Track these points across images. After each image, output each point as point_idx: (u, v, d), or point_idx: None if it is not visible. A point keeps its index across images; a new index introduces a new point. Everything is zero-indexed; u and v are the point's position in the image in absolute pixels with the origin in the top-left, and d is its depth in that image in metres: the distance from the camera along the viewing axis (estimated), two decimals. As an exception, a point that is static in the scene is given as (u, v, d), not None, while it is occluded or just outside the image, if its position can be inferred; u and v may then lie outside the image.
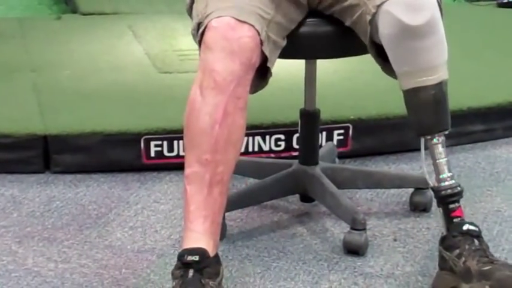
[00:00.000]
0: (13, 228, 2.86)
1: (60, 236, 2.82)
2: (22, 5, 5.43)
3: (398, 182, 3.14)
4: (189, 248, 2.33)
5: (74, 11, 5.07)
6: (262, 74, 2.49)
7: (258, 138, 3.32)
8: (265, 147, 3.34)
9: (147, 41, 4.33)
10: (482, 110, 3.57)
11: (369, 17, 2.48)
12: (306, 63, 2.85)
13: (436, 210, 2.57)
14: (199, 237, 2.35)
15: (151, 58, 4.07)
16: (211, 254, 2.33)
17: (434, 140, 2.51)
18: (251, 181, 3.04)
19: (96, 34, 4.48)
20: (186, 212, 2.39)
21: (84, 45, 4.30)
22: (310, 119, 2.93)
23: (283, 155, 3.32)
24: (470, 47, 4.04)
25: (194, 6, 2.60)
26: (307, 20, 2.63)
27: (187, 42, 2.61)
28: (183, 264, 2.30)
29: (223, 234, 2.67)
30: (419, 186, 2.98)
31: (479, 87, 3.66)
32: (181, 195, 2.45)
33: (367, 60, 2.65)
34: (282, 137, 3.33)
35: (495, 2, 5.29)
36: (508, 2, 5.23)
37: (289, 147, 3.33)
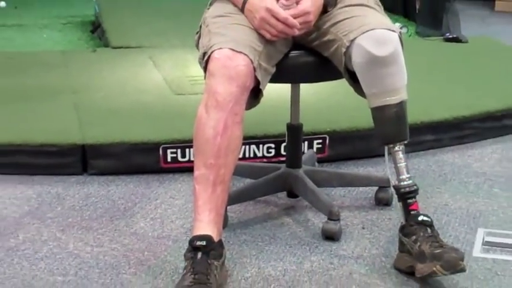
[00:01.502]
0: (57, 219, 2.84)
1: (94, 225, 2.80)
2: (65, 40, 5.43)
3: (365, 181, 3.13)
4: (197, 235, 2.32)
5: (107, 45, 5.06)
6: (255, 94, 2.49)
7: (253, 147, 3.30)
8: (259, 154, 3.31)
9: (164, 69, 4.32)
10: (432, 123, 3.57)
11: (343, 49, 2.48)
12: (292, 86, 2.84)
13: (396, 204, 2.56)
14: (206, 226, 2.34)
15: (168, 82, 4.06)
16: (216, 239, 2.33)
17: (396, 148, 2.50)
18: (247, 181, 3.01)
19: (123, 64, 4.46)
20: (195, 206, 2.38)
21: (114, 73, 4.29)
22: (294, 131, 2.91)
23: (273, 160, 3.30)
24: (423, 73, 4.03)
25: (200, 40, 2.60)
26: (293, 51, 2.62)
27: (197, 70, 2.60)
28: (193, 248, 2.29)
29: (225, 223, 2.67)
30: (383, 185, 2.96)
31: (430, 106, 3.66)
32: (192, 193, 2.42)
33: (341, 84, 2.65)
34: (272, 145, 3.31)
35: (442, 38, 5.28)
36: (452, 38, 5.23)
37: (278, 153, 3.30)
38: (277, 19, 2.48)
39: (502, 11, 6.99)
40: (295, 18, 2.46)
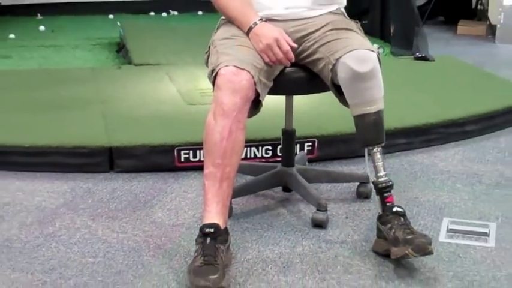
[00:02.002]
0: (88, 210, 2.83)
1: (119, 215, 2.79)
2: (94, 59, 5.43)
3: (348, 178, 3.12)
4: (207, 223, 2.32)
5: (130, 63, 5.06)
6: (256, 105, 2.49)
7: (253, 148, 3.29)
8: (258, 154, 3.30)
9: (178, 82, 4.31)
10: (404, 129, 3.56)
11: (330, 66, 2.48)
12: (286, 97, 2.83)
13: (374, 197, 2.54)
14: (214, 216, 2.34)
15: (182, 94, 4.05)
16: (222, 227, 2.33)
17: (374, 150, 2.50)
18: (249, 178, 3.00)
19: (144, 79, 4.46)
20: (204, 199, 2.38)
21: (136, 86, 4.28)
22: (288, 136, 2.90)
23: (270, 160, 3.28)
24: (397, 86, 4.03)
25: (209, 59, 2.60)
26: (287, 68, 2.60)
27: (206, 83, 2.59)
28: (203, 234, 2.29)
29: (230, 213, 2.63)
30: (363, 181, 2.95)
31: (403, 114, 3.65)
32: (202, 187, 2.42)
33: (328, 95, 2.64)
34: (270, 147, 3.30)
35: (413, 57, 5.28)
36: (421, 57, 5.23)
37: (274, 154, 3.29)
38: (280, 49, 2.49)
39: (463, 34, 7.00)
40: None
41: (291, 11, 2.64)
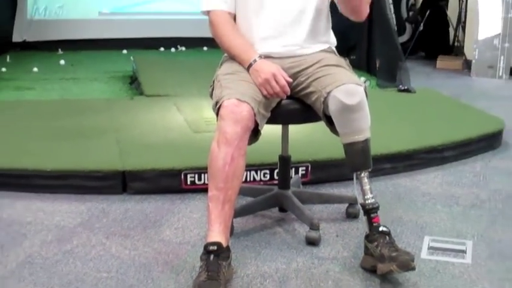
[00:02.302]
0: (103, 228, 2.82)
1: (131, 233, 2.78)
2: (109, 90, 5.44)
3: (339, 199, 3.11)
4: (210, 242, 2.31)
5: (141, 94, 5.06)
6: (255, 134, 2.48)
7: (252, 172, 3.28)
8: (257, 178, 3.29)
9: (185, 112, 4.31)
10: (389, 155, 3.56)
11: (322, 99, 2.48)
12: (282, 126, 2.83)
13: (362, 218, 2.52)
14: (217, 235, 2.34)
15: (188, 123, 4.05)
16: (224, 245, 2.33)
17: (362, 174, 2.50)
18: (248, 199, 2.98)
19: (154, 108, 4.46)
20: (208, 219, 2.37)
21: (147, 115, 4.28)
22: (284, 161, 2.90)
23: (268, 182, 3.28)
24: (382, 116, 4.02)
25: (213, 92, 2.60)
26: (283, 100, 2.60)
27: (210, 113, 2.59)
28: (207, 251, 2.29)
29: (232, 232, 2.65)
30: (352, 202, 2.95)
31: (388, 141, 3.64)
32: (206, 208, 2.40)
33: (320, 125, 2.64)
34: (268, 171, 3.30)
35: (396, 89, 5.28)
36: (404, 89, 5.23)
37: (271, 178, 3.28)
38: (277, 83, 2.50)
39: (441, 68, 7.02)
40: None
41: (287, 49, 2.66)
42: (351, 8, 2.55)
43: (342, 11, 2.60)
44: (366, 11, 2.57)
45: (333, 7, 2.67)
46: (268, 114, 2.54)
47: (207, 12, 2.70)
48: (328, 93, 2.45)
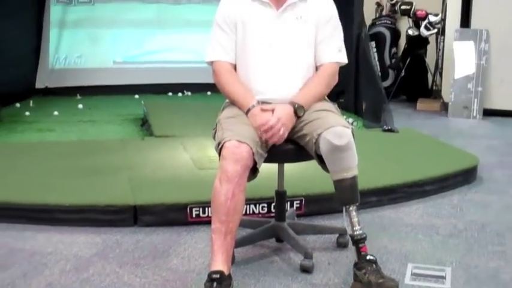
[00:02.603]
0: (116, 258, 2.81)
1: (142, 262, 2.77)
2: (123, 131, 5.45)
3: (330, 230, 3.11)
4: (213, 270, 2.33)
5: (151, 134, 5.07)
6: (254, 171, 2.50)
7: (252, 206, 3.28)
8: (256, 211, 3.29)
9: (191, 151, 4.32)
10: (375, 189, 3.56)
11: (314, 141, 2.50)
12: (278, 165, 2.84)
13: (351, 247, 2.53)
14: (219, 264, 2.35)
15: (193, 161, 4.06)
16: (226, 273, 2.34)
17: (351, 208, 2.52)
18: (248, 230, 2.97)
19: (163, 148, 4.48)
20: (211, 249, 2.39)
21: (157, 154, 4.29)
22: (280, 196, 2.91)
23: (266, 215, 3.27)
24: (368, 154, 4.01)
25: (216, 134, 2.62)
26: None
27: (214, 152, 2.60)
28: (210, 279, 2.30)
29: (233, 261, 2.64)
30: (342, 233, 2.95)
31: (374, 177, 3.65)
32: (209, 239, 2.42)
33: (312, 163, 2.64)
34: (265, 205, 3.29)
35: (381, 129, 5.29)
36: (388, 129, 5.24)
37: (269, 211, 3.27)
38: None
39: (421, 110, 7.04)
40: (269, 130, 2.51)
41: (281, 96, 2.68)
42: None
43: None
44: (332, 86, 2.75)
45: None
46: (266, 154, 2.56)
47: (211, 63, 2.74)
48: (319, 135, 2.47)
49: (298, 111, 2.57)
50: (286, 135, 2.55)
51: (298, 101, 2.59)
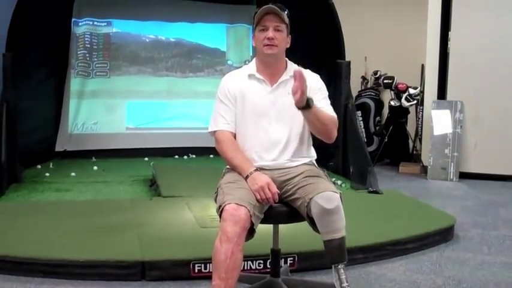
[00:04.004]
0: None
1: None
2: (133, 191, 5.45)
3: (320, 286, 3.11)
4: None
5: (159, 195, 5.06)
6: (251, 232, 2.51)
7: (249, 262, 3.27)
8: (253, 267, 3.28)
9: (194, 210, 4.32)
10: (361, 247, 3.55)
11: (305, 204, 2.54)
12: (273, 225, 2.86)
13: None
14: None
15: (197, 219, 4.06)
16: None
17: (339, 266, 2.54)
18: (245, 285, 2.96)
19: (169, 207, 4.49)
20: (213, 303, 2.36)
21: (164, 213, 4.29)
22: (275, 253, 2.92)
23: (262, 271, 3.25)
24: (355, 214, 4.04)
25: (217, 197, 2.65)
26: (274, 204, 2.64)
27: (214, 212, 2.62)
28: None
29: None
30: (332, 288, 2.92)
31: (360, 235, 3.65)
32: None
33: (304, 224, 2.66)
34: (262, 262, 3.28)
35: (366, 190, 5.31)
36: (373, 190, 5.26)
37: (265, 267, 3.26)
38: (270, 191, 2.54)
39: (403, 173, 7.06)
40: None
41: (276, 163, 2.73)
42: (318, 131, 2.63)
43: (313, 133, 2.70)
44: (333, 134, 2.65)
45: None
46: (262, 216, 2.58)
47: (213, 133, 2.79)
48: (311, 199, 2.51)
49: (310, 101, 2.52)
50: (276, 196, 2.58)
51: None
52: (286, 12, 2.72)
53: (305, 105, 2.51)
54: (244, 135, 2.76)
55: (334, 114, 2.72)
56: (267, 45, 2.69)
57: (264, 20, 2.69)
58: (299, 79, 2.42)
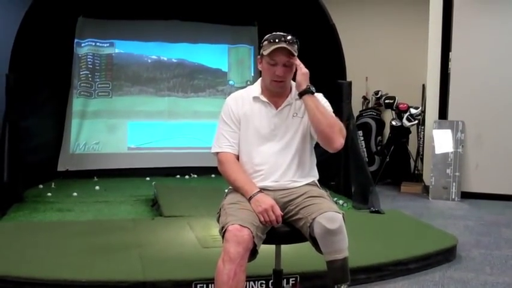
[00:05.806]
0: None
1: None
2: (134, 211, 5.44)
3: (323, 306, 3.08)
4: None
5: (161, 215, 5.06)
6: (253, 253, 2.51)
7: (251, 283, 3.26)
8: None
9: (196, 230, 4.32)
10: (363, 267, 3.55)
11: (308, 224, 2.53)
12: (276, 246, 2.84)
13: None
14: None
15: (198, 239, 4.05)
16: None
17: (342, 287, 2.52)
18: (249, 305, 2.95)
19: (171, 227, 4.48)
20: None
21: (165, 233, 4.29)
22: (277, 274, 2.91)
23: (264, 291, 3.25)
24: (357, 234, 4.02)
25: (220, 218, 2.65)
26: (276, 225, 2.63)
27: (217, 231, 2.62)
28: None
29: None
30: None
31: (362, 255, 3.64)
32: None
33: (306, 244, 2.65)
34: (264, 282, 3.27)
35: (368, 210, 5.31)
36: (375, 210, 5.26)
37: (267, 287, 3.25)
38: (273, 213, 2.54)
39: (405, 192, 7.05)
40: None
41: (279, 184, 2.73)
42: (321, 128, 2.62)
43: (319, 142, 2.69)
44: (338, 141, 2.63)
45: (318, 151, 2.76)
46: (264, 237, 2.58)
47: (216, 154, 2.80)
48: (313, 219, 2.51)
49: (310, 87, 2.65)
50: (280, 219, 2.58)
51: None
52: (296, 46, 2.70)
53: (306, 88, 2.62)
54: (248, 156, 2.77)
55: (339, 121, 2.71)
56: (275, 81, 2.71)
57: (274, 55, 2.66)
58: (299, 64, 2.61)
